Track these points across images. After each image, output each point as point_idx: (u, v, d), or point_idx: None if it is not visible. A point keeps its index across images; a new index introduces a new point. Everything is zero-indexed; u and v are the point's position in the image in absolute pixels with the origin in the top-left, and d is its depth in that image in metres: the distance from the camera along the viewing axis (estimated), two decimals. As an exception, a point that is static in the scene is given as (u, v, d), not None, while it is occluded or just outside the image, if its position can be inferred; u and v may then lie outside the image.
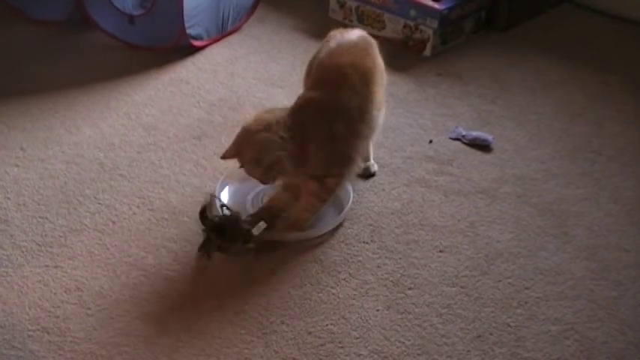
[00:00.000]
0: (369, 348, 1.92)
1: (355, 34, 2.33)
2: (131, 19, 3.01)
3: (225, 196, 2.32)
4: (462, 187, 2.44)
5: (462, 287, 2.10)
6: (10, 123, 2.64)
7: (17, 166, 2.45)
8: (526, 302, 2.06)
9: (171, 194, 2.36)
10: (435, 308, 2.03)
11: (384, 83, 2.36)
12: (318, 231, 2.22)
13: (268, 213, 2.22)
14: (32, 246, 2.16)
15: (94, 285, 2.05)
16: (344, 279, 2.11)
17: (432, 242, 2.23)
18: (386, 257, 2.18)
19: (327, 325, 1.98)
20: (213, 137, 2.61)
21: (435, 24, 3.06)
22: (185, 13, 2.90)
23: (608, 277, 2.14)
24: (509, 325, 2.00)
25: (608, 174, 2.52)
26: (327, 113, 2.17)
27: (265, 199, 2.31)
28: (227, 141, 2.56)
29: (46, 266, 2.10)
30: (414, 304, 2.04)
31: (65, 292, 2.03)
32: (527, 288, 2.10)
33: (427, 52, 3.11)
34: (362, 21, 3.24)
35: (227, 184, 2.36)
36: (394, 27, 3.16)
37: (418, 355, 1.91)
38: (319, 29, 3.06)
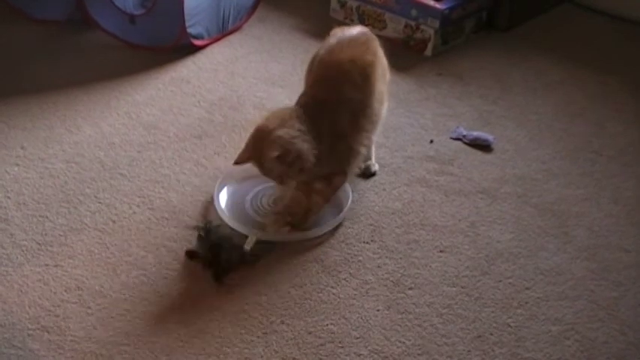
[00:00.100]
0: (369, 348, 1.92)
1: (356, 29, 2.32)
2: (132, 18, 3.01)
3: (224, 197, 2.32)
4: (463, 187, 2.44)
5: (462, 287, 2.09)
6: (10, 122, 2.64)
7: (17, 165, 2.45)
8: (526, 302, 2.06)
9: (172, 193, 2.36)
10: (435, 308, 2.03)
11: (387, 77, 2.35)
12: (318, 231, 2.22)
13: (290, 213, 2.20)
14: (32, 245, 2.16)
15: (94, 284, 2.05)
16: (344, 279, 2.11)
17: (433, 242, 2.23)
18: (386, 257, 2.18)
19: (327, 324, 1.97)
20: (213, 136, 2.61)
21: (436, 24, 3.05)
22: (186, 12, 2.90)
23: (609, 277, 2.14)
24: (510, 326, 1.99)
25: (609, 174, 2.52)
26: (330, 110, 2.17)
27: (264, 200, 2.31)
28: (227, 140, 2.58)
29: (46, 265, 2.10)
30: (414, 304, 2.04)
31: (65, 291, 2.03)
32: (527, 288, 2.10)
33: (428, 51, 3.11)
34: (363, 21, 3.23)
35: (225, 185, 2.36)
36: (395, 27, 3.16)
37: (418, 355, 1.91)
38: (320, 29, 3.04)
